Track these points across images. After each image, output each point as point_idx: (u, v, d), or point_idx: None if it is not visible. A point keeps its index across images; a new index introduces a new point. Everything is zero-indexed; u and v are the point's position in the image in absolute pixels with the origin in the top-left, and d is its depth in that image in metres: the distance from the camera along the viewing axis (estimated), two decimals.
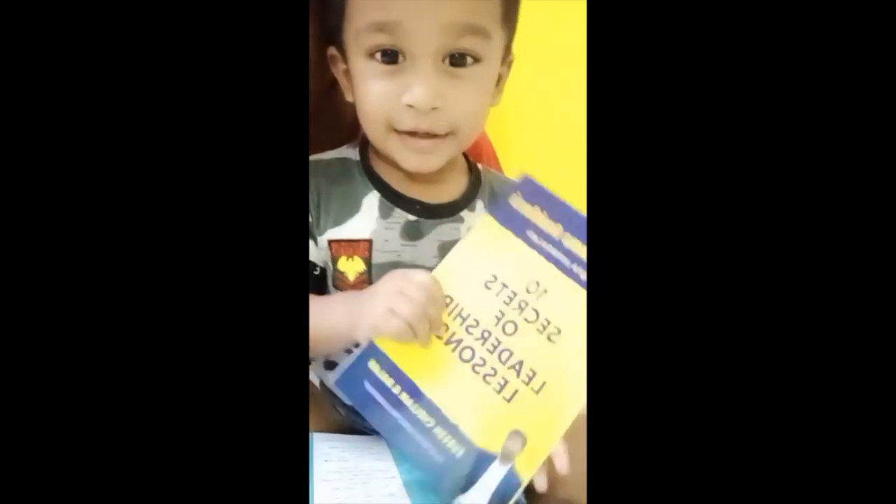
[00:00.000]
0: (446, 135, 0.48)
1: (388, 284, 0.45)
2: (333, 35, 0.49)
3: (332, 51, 0.51)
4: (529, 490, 0.57)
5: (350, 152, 0.55)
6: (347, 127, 0.70)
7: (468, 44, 0.45)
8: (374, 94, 0.47)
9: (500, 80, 0.52)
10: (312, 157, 0.53)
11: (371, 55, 0.46)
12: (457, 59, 0.45)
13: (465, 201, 0.55)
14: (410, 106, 0.45)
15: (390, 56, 0.45)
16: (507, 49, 0.51)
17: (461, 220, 0.53)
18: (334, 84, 0.61)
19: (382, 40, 0.45)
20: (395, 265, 0.51)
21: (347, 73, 0.50)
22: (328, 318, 0.48)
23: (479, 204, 0.55)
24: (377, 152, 0.53)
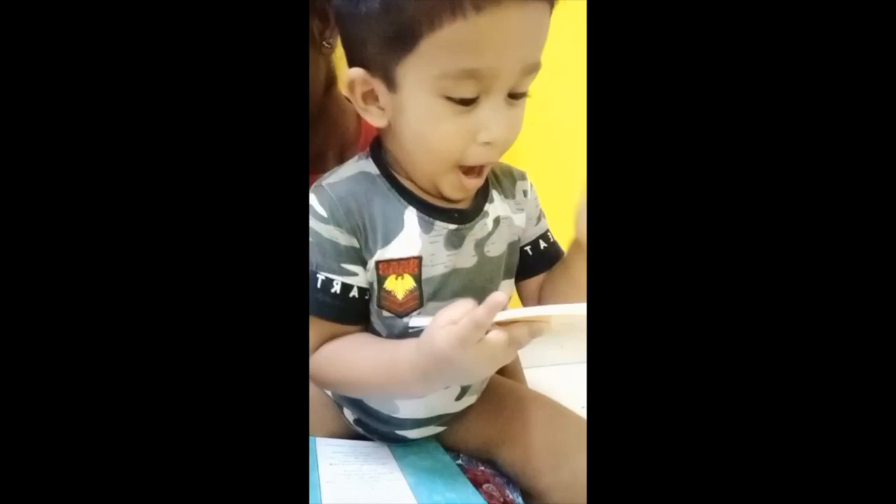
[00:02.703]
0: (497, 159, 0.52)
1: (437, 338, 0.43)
2: (368, 59, 0.47)
3: (357, 75, 0.48)
4: (526, 493, 0.60)
5: (366, 165, 0.53)
6: (345, 134, 0.72)
7: (529, 81, 0.47)
8: (448, 133, 0.47)
9: None
10: (333, 178, 0.52)
11: (445, 97, 0.45)
12: (518, 94, 0.47)
13: (485, 196, 0.56)
14: (488, 143, 0.47)
15: (470, 99, 0.45)
16: None
17: (487, 214, 0.55)
18: (328, 90, 0.62)
19: (469, 86, 0.45)
20: (444, 276, 0.52)
21: (372, 94, 0.49)
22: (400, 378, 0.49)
23: (494, 193, 0.56)
24: (398, 164, 0.53)
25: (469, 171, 0.49)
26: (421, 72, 0.45)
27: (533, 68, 0.46)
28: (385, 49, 0.45)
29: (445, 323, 0.43)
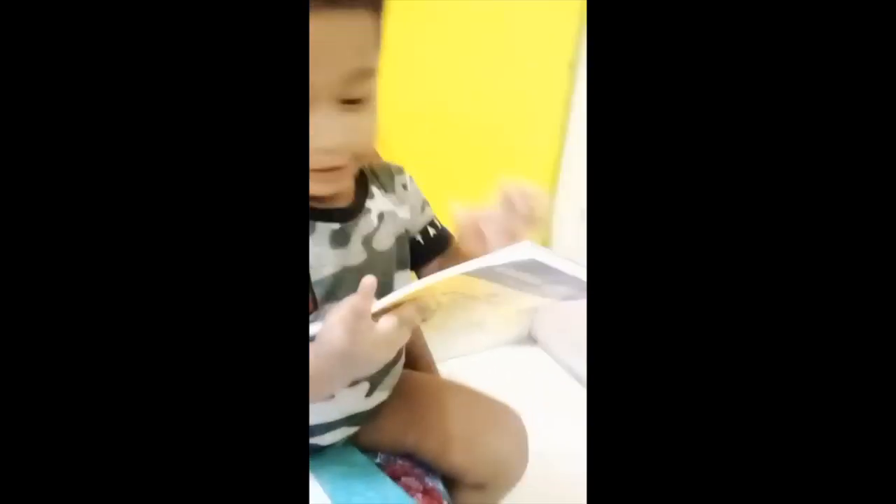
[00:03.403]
0: (351, 162, 0.51)
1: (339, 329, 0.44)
2: None
3: None
4: (446, 478, 0.60)
5: None
6: None
7: (362, 88, 0.47)
8: None
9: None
10: None
11: None
12: (353, 100, 0.48)
13: (364, 193, 0.57)
14: (326, 150, 0.48)
15: None
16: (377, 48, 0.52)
17: (369, 210, 0.56)
18: None
19: None
20: (335, 277, 0.52)
21: None
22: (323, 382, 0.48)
23: (374, 189, 0.58)
24: None
25: (324, 172, 0.49)
26: None
27: (359, 75, 0.47)
28: None
29: (335, 321, 0.44)
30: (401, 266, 0.59)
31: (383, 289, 0.55)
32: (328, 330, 0.44)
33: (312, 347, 0.47)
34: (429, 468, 0.59)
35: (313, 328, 0.50)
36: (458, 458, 0.58)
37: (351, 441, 0.61)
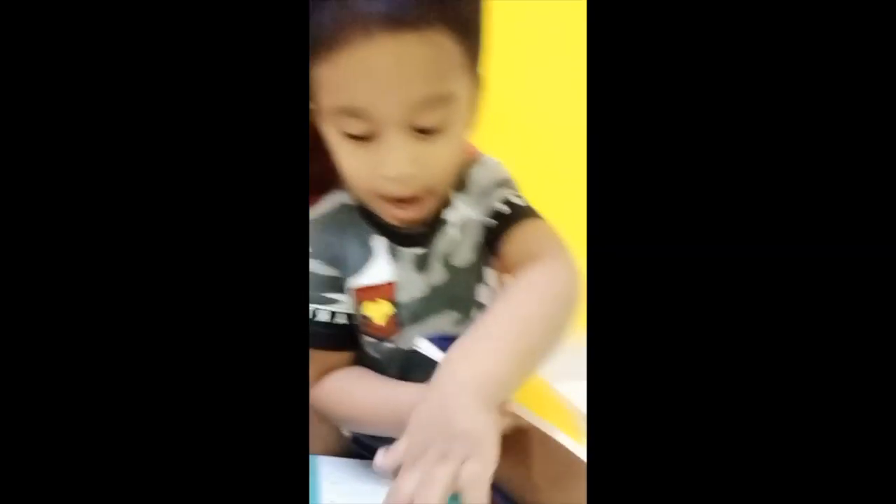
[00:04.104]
0: (427, 192, 0.50)
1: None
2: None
3: (313, 105, 0.49)
4: None
5: (345, 197, 0.55)
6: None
7: (434, 116, 0.45)
8: (353, 167, 0.48)
9: (473, 107, 0.52)
10: (315, 214, 0.54)
11: (343, 134, 0.46)
12: (426, 129, 0.45)
13: (445, 206, 0.55)
14: (393, 178, 0.46)
15: (362, 137, 0.45)
16: (476, 83, 0.49)
17: (448, 223, 0.54)
18: None
19: (352, 125, 0.45)
20: (422, 300, 0.53)
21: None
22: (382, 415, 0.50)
23: (458, 199, 0.55)
24: None
25: (398, 201, 0.48)
26: (322, 107, 0.46)
27: (430, 102, 0.44)
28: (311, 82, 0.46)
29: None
30: (481, 279, 0.57)
31: (467, 304, 0.56)
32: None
33: (416, 394, 0.45)
34: (508, 499, 0.59)
35: (425, 346, 0.51)
36: (542, 494, 0.58)
37: None
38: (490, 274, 0.58)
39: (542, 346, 0.46)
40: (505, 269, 0.57)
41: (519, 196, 0.55)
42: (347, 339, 0.55)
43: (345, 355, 0.56)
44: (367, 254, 0.53)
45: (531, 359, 0.45)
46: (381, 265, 0.53)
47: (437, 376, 0.43)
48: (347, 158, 0.47)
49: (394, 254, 0.53)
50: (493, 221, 0.55)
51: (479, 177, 0.56)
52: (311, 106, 0.49)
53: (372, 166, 0.46)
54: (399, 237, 0.53)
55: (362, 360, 0.57)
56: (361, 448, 0.62)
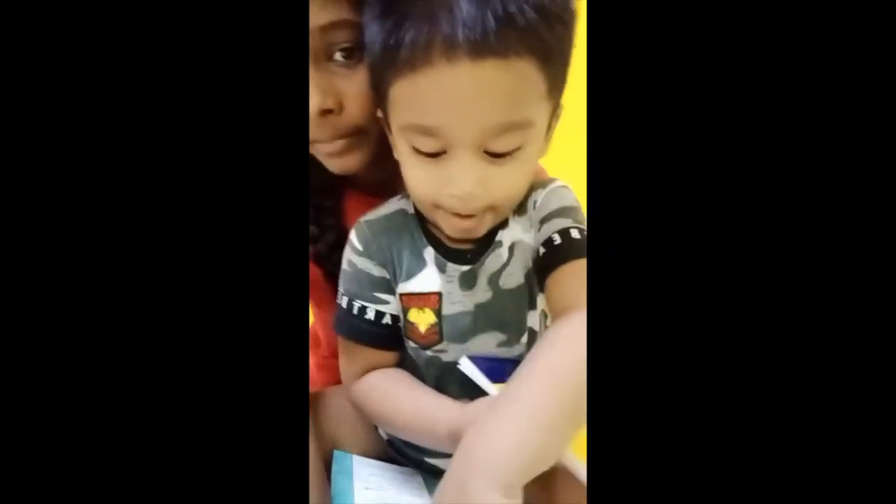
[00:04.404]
0: (488, 212, 0.49)
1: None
2: (377, 99, 0.48)
3: (379, 112, 0.50)
4: None
5: (405, 203, 0.56)
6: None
7: (508, 142, 0.44)
8: (420, 181, 0.47)
9: (549, 132, 0.50)
10: (371, 216, 0.55)
11: (414, 149, 0.45)
12: (497, 154, 0.44)
13: (502, 226, 0.53)
14: (456, 196, 0.46)
15: (432, 153, 0.45)
16: (556, 109, 0.48)
17: (500, 244, 0.53)
18: None
19: (423, 142, 0.44)
20: (462, 315, 0.53)
21: (391, 132, 0.49)
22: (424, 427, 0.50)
23: (514, 220, 0.54)
24: None
25: (458, 215, 0.48)
26: (395, 120, 0.46)
27: (506, 129, 0.43)
28: (377, 93, 0.47)
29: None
30: (532, 305, 0.54)
31: (515, 327, 0.54)
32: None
33: (457, 417, 0.46)
34: None
35: (468, 367, 0.50)
36: None
37: None
38: (539, 298, 0.56)
39: (579, 408, 0.40)
40: (547, 308, 0.54)
41: (578, 228, 0.52)
42: (392, 339, 0.56)
43: (388, 355, 0.56)
44: (418, 262, 0.53)
45: (565, 424, 0.41)
46: (431, 275, 0.53)
47: (458, 453, 0.40)
48: (414, 171, 0.47)
49: (441, 266, 0.53)
50: (543, 249, 0.52)
51: (541, 201, 0.54)
52: (379, 114, 0.49)
53: (438, 182, 0.46)
54: (448, 252, 0.53)
55: (405, 362, 0.58)
56: (395, 452, 0.62)
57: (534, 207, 0.54)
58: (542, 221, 0.53)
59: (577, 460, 0.43)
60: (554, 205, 0.53)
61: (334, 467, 0.57)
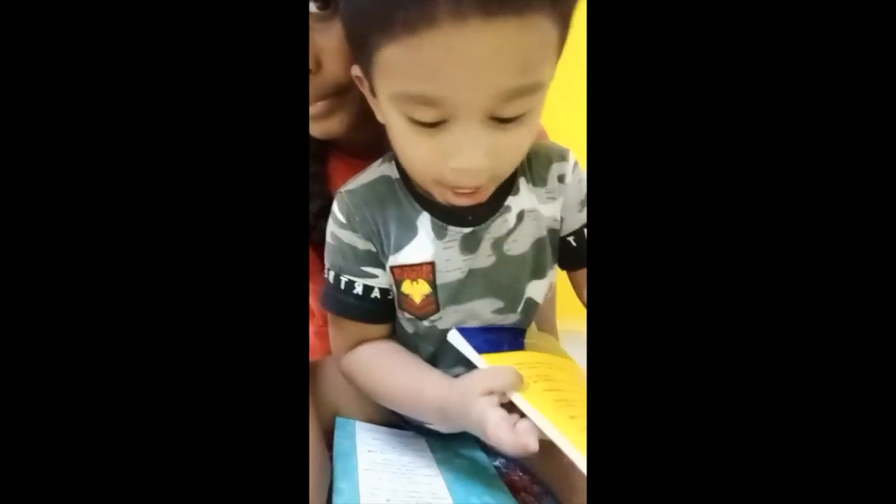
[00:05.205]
0: (492, 181, 0.46)
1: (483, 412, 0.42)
2: (357, 58, 0.44)
3: (356, 71, 0.45)
4: None
5: (388, 168, 0.52)
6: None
7: (518, 107, 0.40)
8: (419, 155, 0.43)
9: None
10: (352, 185, 0.51)
11: (408, 117, 0.41)
12: (504, 119, 0.40)
13: (509, 187, 0.50)
14: (460, 169, 0.42)
15: (432, 124, 0.40)
16: (554, 67, 0.44)
17: (508, 209, 0.50)
18: None
19: (422, 112, 0.40)
20: (461, 282, 0.51)
21: (374, 96, 0.45)
22: (421, 401, 0.50)
23: (521, 182, 0.51)
24: None
25: (456, 190, 0.44)
26: (384, 86, 0.41)
27: (519, 93, 0.39)
28: (358, 53, 0.43)
29: (484, 391, 0.43)
30: (537, 274, 0.53)
31: (513, 295, 0.53)
32: (474, 397, 0.43)
33: (447, 387, 0.47)
34: (547, 490, 0.57)
35: (457, 340, 0.50)
36: (581, 497, 0.55)
37: (475, 438, 0.61)
38: (551, 272, 0.55)
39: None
40: (579, 297, 0.58)
41: None
42: (383, 313, 0.53)
43: (379, 328, 0.54)
44: (408, 232, 0.50)
45: None
46: (422, 244, 0.50)
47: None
48: (409, 143, 0.43)
49: (438, 231, 0.50)
50: (572, 242, 0.54)
51: (571, 177, 0.52)
52: (355, 73, 0.46)
53: (440, 155, 0.41)
54: (447, 215, 0.50)
55: (399, 333, 0.56)
56: (398, 417, 0.61)
57: (560, 180, 0.52)
58: (580, 206, 0.53)
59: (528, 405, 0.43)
60: (581, 188, 0.53)
61: (337, 432, 0.56)
